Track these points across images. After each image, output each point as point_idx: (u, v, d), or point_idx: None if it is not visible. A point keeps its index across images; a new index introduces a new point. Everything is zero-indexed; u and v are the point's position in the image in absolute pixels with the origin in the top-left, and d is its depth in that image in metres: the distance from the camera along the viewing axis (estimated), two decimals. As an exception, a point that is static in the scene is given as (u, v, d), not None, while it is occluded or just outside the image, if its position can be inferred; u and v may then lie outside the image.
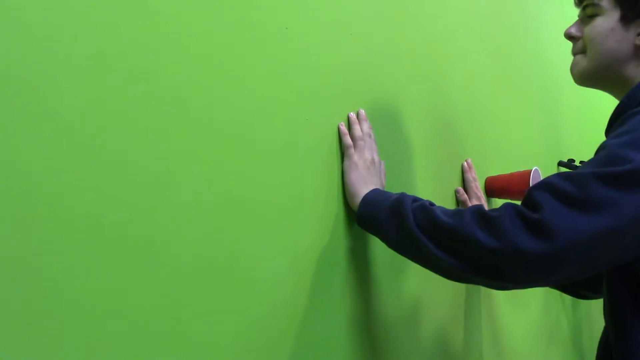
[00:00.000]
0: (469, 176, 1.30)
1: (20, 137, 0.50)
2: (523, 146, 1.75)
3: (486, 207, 1.28)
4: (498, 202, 1.48)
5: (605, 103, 0.98)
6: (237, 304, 0.70)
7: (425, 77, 1.21)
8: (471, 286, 1.32)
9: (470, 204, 1.26)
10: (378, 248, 0.98)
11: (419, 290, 1.10)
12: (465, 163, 1.32)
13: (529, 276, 0.69)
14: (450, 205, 1.25)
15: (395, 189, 1.04)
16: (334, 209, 0.89)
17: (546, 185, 0.71)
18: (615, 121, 0.88)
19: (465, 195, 1.27)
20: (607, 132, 0.93)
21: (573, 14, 1.01)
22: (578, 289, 1.18)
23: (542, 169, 1.35)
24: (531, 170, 1.30)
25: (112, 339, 0.55)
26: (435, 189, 1.19)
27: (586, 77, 0.95)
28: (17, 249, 0.49)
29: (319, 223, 0.86)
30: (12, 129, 0.49)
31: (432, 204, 0.81)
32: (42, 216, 0.51)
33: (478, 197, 1.28)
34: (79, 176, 0.54)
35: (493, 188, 1.40)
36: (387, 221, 0.82)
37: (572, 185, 0.69)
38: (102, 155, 0.56)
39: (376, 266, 0.97)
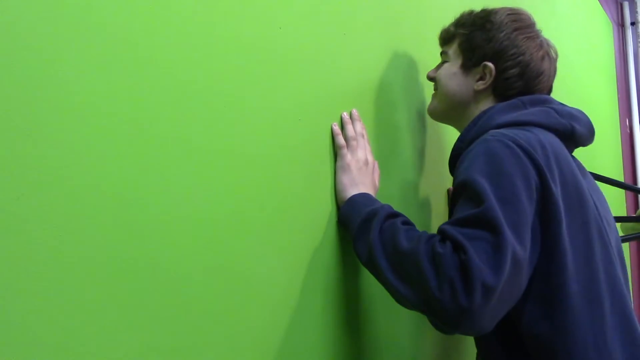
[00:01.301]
0: (462, 176, 1.30)
1: (16, 136, 0.49)
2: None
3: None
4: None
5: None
6: (230, 304, 0.70)
7: (418, 76, 1.21)
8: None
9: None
10: (371, 247, 0.98)
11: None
12: (458, 163, 1.32)
13: (457, 322, 0.68)
14: (442, 204, 1.26)
15: (388, 189, 1.04)
16: (327, 210, 0.89)
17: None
18: (455, 162, 0.97)
19: (458, 195, 1.27)
20: (452, 172, 1.02)
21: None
22: None
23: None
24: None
25: (107, 338, 0.55)
26: (428, 188, 1.19)
27: (435, 114, 1.10)
28: (14, 248, 0.49)
29: (312, 224, 0.86)
30: (8, 128, 0.49)
31: (407, 223, 0.81)
32: (37, 216, 0.51)
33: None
34: (72, 178, 0.54)
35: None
36: (357, 231, 0.83)
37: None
38: (94, 157, 0.56)
39: (369, 266, 0.97)
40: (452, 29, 1.07)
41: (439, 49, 1.12)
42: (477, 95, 1.01)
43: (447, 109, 1.06)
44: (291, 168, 0.82)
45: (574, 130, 0.94)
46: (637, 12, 3.79)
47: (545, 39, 1.04)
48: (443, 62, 1.08)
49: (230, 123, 0.73)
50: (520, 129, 0.86)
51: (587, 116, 1.00)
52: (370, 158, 0.95)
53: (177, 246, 0.64)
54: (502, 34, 1.00)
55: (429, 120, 1.23)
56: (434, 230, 1.20)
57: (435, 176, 1.24)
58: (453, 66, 1.04)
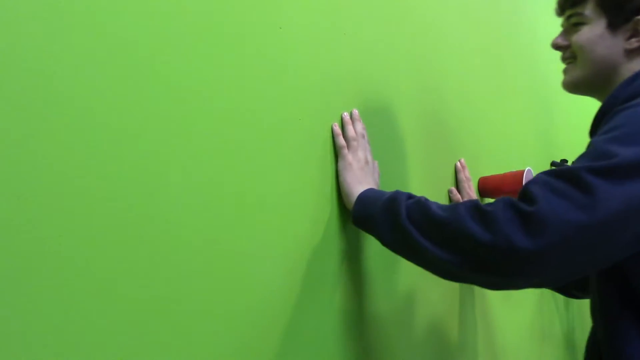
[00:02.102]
0: (462, 176, 1.30)
1: (16, 136, 0.49)
2: (516, 146, 1.75)
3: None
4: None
5: (598, 104, 1.00)
6: (230, 302, 0.70)
7: (418, 76, 1.21)
8: (465, 286, 1.32)
9: (463, 204, 1.26)
10: (371, 247, 0.98)
11: (412, 290, 1.10)
12: (459, 163, 1.32)
13: (520, 272, 0.68)
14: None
15: (388, 188, 1.04)
16: (327, 208, 0.89)
17: (540, 180, 0.71)
18: (600, 121, 0.89)
19: (458, 195, 1.27)
20: (592, 132, 0.94)
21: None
22: (569, 289, 1.19)
23: (535, 169, 1.36)
24: (524, 170, 1.31)
25: (106, 338, 0.55)
26: (428, 188, 1.19)
27: (579, 85, 0.97)
28: (13, 248, 0.48)
29: (312, 222, 0.86)
30: (8, 128, 0.49)
31: (426, 200, 0.81)
32: (37, 215, 0.50)
33: (471, 197, 1.29)
34: (74, 175, 0.54)
35: (486, 188, 1.41)
36: (380, 219, 0.81)
37: (563, 181, 0.69)
38: (95, 153, 0.56)
39: (369, 266, 0.97)
40: None
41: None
42: (629, 55, 0.91)
43: (593, 76, 0.95)
44: (291, 167, 0.82)
45: None
46: (637, 11, 3.77)
47: None
48: (574, 25, 0.96)
49: (229, 122, 0.73)
50: None
51: None
52: (370, 158, 0.95)
53: (177, 246, 0.64)
54: None
55: (429, 120, 1.23)
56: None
57: (435, 177, 1.24)
58: (596, 27, 0.93)
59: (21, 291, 0.49)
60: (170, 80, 0.65)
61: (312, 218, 0.86)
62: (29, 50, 0.51)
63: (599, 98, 0.97)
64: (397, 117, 1.11)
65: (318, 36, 0.91)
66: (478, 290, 1.38)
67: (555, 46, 1.00)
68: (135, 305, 0.59)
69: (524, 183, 1.28)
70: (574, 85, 0.99)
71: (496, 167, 1.51)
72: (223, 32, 0.73)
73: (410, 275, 1.09)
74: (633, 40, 0.90)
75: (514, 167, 1.41)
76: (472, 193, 1.30)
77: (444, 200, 1.26)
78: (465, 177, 1.31)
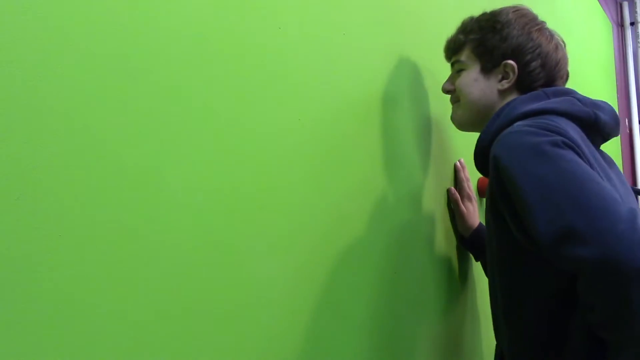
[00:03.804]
0: (462, 176, 1.30)
1: (16, 137, 0.49)
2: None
3: (477, 207, 1.30)
4: (490, 202, 1.49)
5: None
6: (231, 303, 0.70)
7: (418, 76, 1.21)
8: (467, 287, 1.32)
9: (462, 204, 1.26)
10: (373, 248, 0.98)
11: (414, 291, 1.10)
12: (458, 162, 1.32)
13: None
14: (443, 203, 1.26)
15: (388, 188, 1.04)
16: (327, 209, 0.89)
17: None
18: (482, 158, 0.98)
19: (457, 195, 1.27)
20: (480, 168, 1.03)
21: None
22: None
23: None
24: (523, 170, 1.31)
25: (106, 339, 0.55)
26: (427, 188, 1.19)
27: (463, 123, 1.10)
28: (12, 249, 0.48)
29: (313, 223, 0.86)
30: (8, 129, 0.49)
31: None
32: (34, 215, 0.50)
33: (470, 197, 1.29)
34: (72, 175, 0.54)
35: (485, 188, 1.41)
36: None
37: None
38: (94, 154, 0.56)
39: (371, 266, 0.97)
40: (460, 37, 1.07)
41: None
42: (502, 94, 1.02)
43: (474, 116, 1.06)
44: (291, 168, 0.82)
45: (598, 119, 0.93)
46: (636, 12, 3.79)
47: (551, 30, 1.05)
48: (458, 71, 1.08)
49: (229, 122, 0.73)
50: (544, 118, 0.86)
51: (611, 106, 1.00)
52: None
53: (177, 246, 0.64)
54: (515, 31, 1.01)
55: (429, 119, 1.23)
56: (433, 228, 1.20)
57: (436, 175, 1.24)
58: (472, 72, 1.05)
59: (21, 291, 0.49)
60: (170, 81, 0.65)
61: (312, 218, 0.86)
62: (28, 50, 0.51)
63: None
64: (397, 117, 1.11)
65: (317, 36, 0.91)
66: (480, 291, 1.38)
67: (444, 91, 1.12)
68: (135, 306, 0.59)
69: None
70: (459, 124, 1.11)
71: (495, 167, 1.51)
72: (222, 32, 0.73)
73: (412, 276, 1.09)
74: (504, 81, 1.02)
75: (513, 167, 1.40)
76: (472, 193, 1.30)
77: (442, 200, 1.26)
78: (465, 177, 1.31)
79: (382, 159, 1.04)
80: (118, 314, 0.57)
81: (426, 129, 1.22)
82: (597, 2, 3.27)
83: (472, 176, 1.37)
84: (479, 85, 1.04)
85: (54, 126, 0.53)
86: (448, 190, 1.28)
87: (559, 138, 0.80)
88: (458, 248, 1.30)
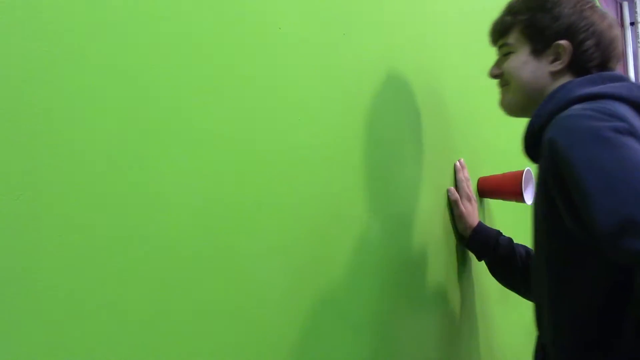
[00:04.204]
0: (461, 176, 1.30)
1: (16, 136, 0.49)
2: (515, 147, 1.75)
3: (476, 207, 1.29)
4: (489, 203, 1.49)
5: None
6: (230, 303, 0.70)
7: (417, 77, 1.21)
8: (464, 286, 1.32)
9: (461, 204, 1.26)
10: (372, 248, 0.98)
11: (412, 291, 1.10)
12: (458, 163, 1.32)
13: None
14: (442, 203, 1.26)
15: (387, 189, 1.04)
16: (326, 209, 0.89)
17: None
18: (533, 144, 0.94)
19: (457, 195, 1.27)
20: (529, 153, 0.99)
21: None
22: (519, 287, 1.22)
23: (534, 170, 1.36)
24: (523, 170, 1.31)
25: (106, 338, 0.55)
26: (427, 188, 1.19)
27: (512, 108, 1.05)
28: (12, 248, 0.49)
29: (312, 222, 0.86)
30: (8, 127, 0.49)
31: None
32: (35, 214, 0.50)
33: (469, 197, 1.29)
34: (73, 177, 0.54)
35: (485, 188, 1.41)
36: None
37: None
38: (96, 154, 0.56)
39: (370, 266, 0.97)
40: (507, 18, 1.03)
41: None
42: (554, 76, 0.98)
43: (524, 99, 1.01)
44: (291, 167, 0.82)
45: None
46: (636, 12, 3.79)
47: (601, 8, 1.01)
48: (506, 54, 1.04)
49: (229, 123, 0.73)
50: (603, 103, 0.83)
51: None
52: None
53: (177, 247, 0.64)
54: (566, 9, 0.97)
55: (429, 120, 1.23)
56: (432, 228, 1.20)
57: (435, 177, 1.24)
58: (521, 55, 1.01)
59: (21, 291, 0.49)
60: (169, 81, 0.65)
61: (312, 217, 0.86)
62: (27, 50, 0.51)
63: None
64: (397, 117, 1.11)
65: (317, 37, 0.91)
66: (478, 290, 1.38)
67: (492, 75, 1.07)
68: (135, 305, 0.59)
69: (523, 183, 1.28)
70: (509, 108, 1.06)
71: (495, 167, 1.51)
72: (222, 32, 0.73)
73: (410, 275, 1.09)
74: (556, 63, 0.97)
75: (513, 167, 1.41)
76: (471, 193, 1.30)
77: (442, 200, 1.26)
78: (465, 177, 1.31)
79: (381, 159, 1.04)
80: (117, 314, 0.57)
81: (426, 129, 1.22)
82: (597, 2, 3.27)
83: (472, 176, 1.37)
84: (530, 68, 0.99)
85: (54, 126, 0.53)
86: (447, 190, 1.28)
87: (620, 124, 0.76)
88: (457, 248, 1.30)
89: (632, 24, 3.80)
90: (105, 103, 0.58)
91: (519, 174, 1.31)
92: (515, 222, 1.57)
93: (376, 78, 1.06)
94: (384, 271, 1.01)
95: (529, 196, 1.33)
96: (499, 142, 1.62)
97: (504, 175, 1.38)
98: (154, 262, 0.61)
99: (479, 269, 1.36)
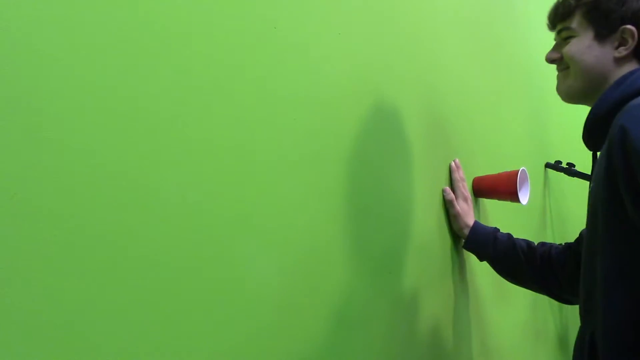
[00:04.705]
0: (457, 176, 1.31)
1: (11, 135, 0.49)
2: (510, 147, 1.76)
3: (472, 207, 1.29)
4: (485, 202, 1.49)
5: (586, 114, 1.01)
6: (226, 303, 0.70)
7: (413, 77, 1.21)
8: (459, 286, 1.32)
9: (456, 204, 1.26)
10: (367, 248, 0.98)
11: (408, 291, 1.10)
12: (453, 163, 1.32)
13: None
14: (438, 203, 1.26)
15: (383, 188, 1.05)
16: (322, 209, 0.89)
17: None
18: (595, 129, 0.91)
19: (452, 195, 1.27)
20: (589, 139, 0.95)
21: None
22: (561, 294, 1.19)
23: (529, 170, 1.37)
24: (518, 170, 1.31)
25: (101, 338, 0.55)
26: (422, 188, 1.20)
27: (572, 94, 1.01)
28: (7, 247, 0.48)
29: (307, 223, 0.86)
30: (2, 127, 0.49)
31: None
32: (30, 213, 0.50)
33: (465, 197, 1.29)
34: (68, 177, 0.54)
35: (480, 188, 1.41)
36: None
37: None
38: (91, 153, 0.56)
39: (365, 266, 0.97)
40: (570, 1, 1.00)
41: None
42: (619, 62, 0.95)
43: (586, 85, 0.98)
44: (286, 167, 0.82)
45: None
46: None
47: None
48: (565, 39, 1.01)
49: (224, 122, 0.73)
50: None
51: None
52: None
53: (172, 246, 0.64)
54: None
55: (424, 120, 1.23)
56: (428, 228, 1.21)
57: (430, 176, 1.24)
58: (584, 39, 0.98)
59: (17, 290, 0.49)
60: (164, 80, 0.65)
61: (307, 218, 0.86)
62: (24, 50, 0.51)
63: (591, 105, 0.98)
64: (392, 118, 1.12)
65: (312, 36, 0.91)
66: (473, 290, 1.38)
67: (549, 60, 1.04)
68: (130, 305, 0.58)
69: (518, 183, 1.29)
70: (567, 94, 1.02)
71: (491, 167, 1.51)
72: (217, 31, 0.73)
73: (406, 276, 1.09)
74: (621, 48, 0.94)
75: (508, 167, 1.41)
76: (467, 193, 1.31)
77: (438, 200, 1.26)
78: (460, 177, 1.31)
79: (377, 158, 1.04)
80: (112, 313, 0.57)
81: (422, 129, 1.22)
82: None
83: (467, 176, 1.38)
84: (593, 52, 0.96)
85: (50, 125, 0.53)
86: (443, 191, 1.28)
87: None
88: (453, 248, 1.30)
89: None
90: (100, 103, 0.57)
91: (514, 174, 1.32)
92: (510, 221, 1.58)
93: (371, 78, 1.06)
94: (379, 271, 1.01)
95: (523, 196, 1.33)
96: (494, 142, 1.62)
97: (499, 175, 1.39)
98: (148, 261, 0.61)
99: (475, 269, 1.36)
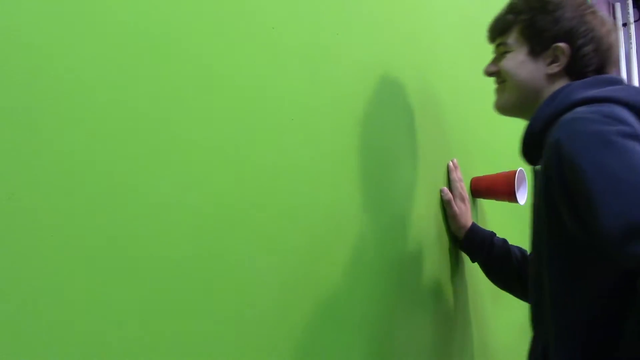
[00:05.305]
0: (454, 176, 1.31)
1: (7, 136, 0.49)
2: (508, 147, 1.76)
3: (469, 207, 1.30)
4: (483, 203, 1.49)
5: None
6: (225, 304, 0.70)
7: (411, 77, 1.21)
8: (457, 286, 1.33)
9: (454, 204, 1.27)
10: (366, 248, 0.98)
11: (406, 291, 1.10)
12: (451, 163, 1.32)
13: None
14: (435, 204, 1.26)
15: (381, 188, 1.05)
16: (320, 209, 0.89)
17: None
18: (533, 146, 0.94)
19: (450, 195, 1.27)
20: (527, 155, 0.99)
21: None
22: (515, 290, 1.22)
23: (526, 170, 1.37)
24: (516, 171, 1.31)
25: (100, 338, 0.55)
26: (420, 188, 1.20)
27: (507, 107, 1.05)
28: (4, 249, 0.48)
29: (305, 223, 0.86)
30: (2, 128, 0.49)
31: None
32: (26, 215, 0.50)
33: (462, 197, 1.29)
34: (64, 175, 0.54)
35: (478, 188, 1.41)
36: None
37: None
38: (89, 154, 0.56)
39: (363, 266, 0.97)
40: (508, 17, 1.03)
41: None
42: (551, 79, 0.98)
43: (520, 99, 1.02)
44: (283, 167, 0.82)
45: None
46: (628, 13, 3.81)
47: (603, 13, 1.02)
48: (503, 54, 1.04)
49: (222, 122, 0.73)
50: (606, 106, 0.83)
51: None
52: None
53: (171, 247, 0.64)
54: (568, 13, 0.97)
55: (422, 120, 1.23)
56: (426, 228, 1.21)
57: (428, 177, 1.24)
58: (519, 54, 1.01)
59: (14, 291, 0.49)
60: (162, 81, 0.65)
61: (305, 217, 0.86)
62: (23, 50, 0.51)
63: (527, 119, 1.00)
64: (390, 118, 1.12)
65: (310, 36, 0.91)
66: (470, 290, 1.38)
67: (487, 73, 1.07)
68: (129, 304, 0.58)
69: (516, 183, 1.29)
70: (502, 107, 1.06)
71: (488, 167, 1.51)
72: (216, 32, 0.73)
73: (403, 276, 1.09)
74: (554, 65, 0.98)
75: (506, 168, 1.41)
76: (465, 193, 1.31)
77: (435, 200, 1.26)
78: (458, 177, 1.31)
79: (374, 159, 1.04)
80: (111, 315, 0.57)
81: (419, 129, 1.22)
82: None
83: (465, 176, 1.38)
84: (527, 68, 1.00)
85: (46, 126, 0.53)
86: (441, 191, 1.28)
87: (626, 128, 0.77)
88: (450, 249, 1.30)
89: (624, 25, 3.82)
90: (97, 104, 0.58)
91: (512, 174, 1.32)
92: (508, 222, 1.58)
93: (369, 78, 1.06)
94: (378, 271, 1.02)
95: (521, 196, 1.33)
96: (492, 143, 1.62)
97: (496, 175, 1.39)
98: (147, 262, 0.61)
99: (472, 268, 1.37)
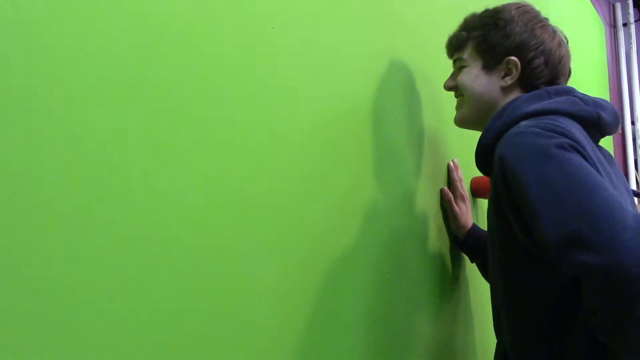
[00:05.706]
0: (455, 176, 1.31)
1: (6, 136, 0.49)
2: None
3: (470, 207, 1.30)
4: (483, 203, 1.49)
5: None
6: (225, 303, 0.70)
7: (412, 76, 1.21)
8: (460, 287, 1.33)
9: (455, 204, 1.27)
10: (366, 248, 0.98)
11: (406, 290, 1.10)
12: (451, 163, 1.33)
13: None
14: (435, 204, 1.26)
15: (382, 189, 1.05)
16: (320, 209, 0.89)
17: None
18: (485, 157, 0.98)
19: (450, 195, 1.27)
20: (481, 166, 1.03)
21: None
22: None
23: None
24: (516, 170, 1.31)
25: (100, 337, 0.55)
26: (421, 188, 1.20)
27: (465, 120, 1.10)
28: (3, 247, 0.48)
29: (305, 223, 0.86)
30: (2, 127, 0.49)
31: None
32: (26, 214, 0.50)
33: (463, 197, 1.29)
34: (65, 175, 0.54)
35: (478, 188, 1.41)
36: None
37: None
38: (88, 153, 0.56)
39: (363, 265, 0.97)
40: (463, 34, 1.07)
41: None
42: (505, 91, 1.02)
43: (477, 112, 1.06)
44: (283, 168, 0.82)
45: (600, 118, 0.93)
46: (629, 13, 3.81)
47: (554, 26, 1.05)
48: (460, 68, 1.08)
49: (222, 122, 0.73)
50: (549, 119, 0.86)
51: (611, 105, 1.00)
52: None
53: (171, 246, 0.64)
54: (518, 27, 1.01)
55: (423, 120, 1.23)
56: (426, 227, 1.21)
57: (428, 176, 1.24)
58: (473, 69, 1.05)
59: (14, 290, 0.49)
60: (162, 81, 0.65)
61: (305, 217, 0.86)
62: (22, 50, 0.51)
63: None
64: (390, 118, 1.12)
65: (311, 36, 0.91)
66: (471, 289, 1.38)
67: (447, 87, 1.11)
68: (128, 304, 0.58)
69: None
70: (460, 120, 1.11)
71: (489, 167, 1.51)
72: (216, 31, 0.73)
73: (404, 276, 1.09)
74: (507, 78, 1.02)
75: (506, 168, 1.41)
76: (465, 193, 1.31)
77: (436, 200, 1.26)
78: (458, 177, 1.31)
79: (375, 159, 1.04)
80: (111, 312, 0.57)
81: (419, 129, 1.22)
82: (590, 3, 3.29)
83: (466, 177, 1.38)
84: (482, 81, 1.03)
85: (46, 125, 0.53)
86: (441, 190, 1.28)
87: (565, 140, 0.80)
88: (451, 248, 1.30)
89: (624, 25, 3.82)
90: (97, 101, 0.57)
91: (512, 174, 1.31)
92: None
93: (369, 78, 1.06)
94: (378, 270, 1.02)
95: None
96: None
97: (497, 175, 1.39)
98: (147, 261, 0.61)
99: (473, 268, 1.37)
